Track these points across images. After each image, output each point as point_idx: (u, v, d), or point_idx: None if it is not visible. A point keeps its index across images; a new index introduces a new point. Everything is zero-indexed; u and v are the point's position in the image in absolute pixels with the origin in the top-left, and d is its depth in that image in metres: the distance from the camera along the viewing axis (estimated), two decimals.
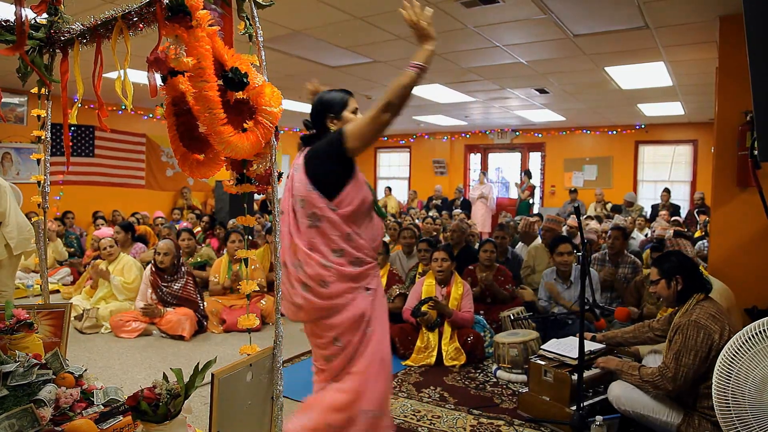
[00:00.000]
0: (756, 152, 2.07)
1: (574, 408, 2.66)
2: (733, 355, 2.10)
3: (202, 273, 5.77)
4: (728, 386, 2.08)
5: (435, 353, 3.84)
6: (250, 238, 2.00)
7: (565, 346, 3.06)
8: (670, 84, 6.75)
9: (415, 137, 13.35)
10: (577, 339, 2.69)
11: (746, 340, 2.09)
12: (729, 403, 2.07)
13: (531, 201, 10.82)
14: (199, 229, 7.55)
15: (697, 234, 6.65)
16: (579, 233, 3.06)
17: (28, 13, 2.03)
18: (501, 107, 9.10)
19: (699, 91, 7.08)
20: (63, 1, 2.30)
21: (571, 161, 11.55)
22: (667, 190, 9.56)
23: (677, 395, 2.51)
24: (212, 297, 4.99)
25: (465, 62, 5.96)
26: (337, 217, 1.93)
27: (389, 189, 12.40)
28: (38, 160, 2.69)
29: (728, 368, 2.10)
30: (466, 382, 3.50)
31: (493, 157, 12.98)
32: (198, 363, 1.86)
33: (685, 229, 6.86)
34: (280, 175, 1.83)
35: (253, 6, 1.74)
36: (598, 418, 2.50)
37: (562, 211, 9.36)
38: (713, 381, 2.14)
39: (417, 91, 7.31)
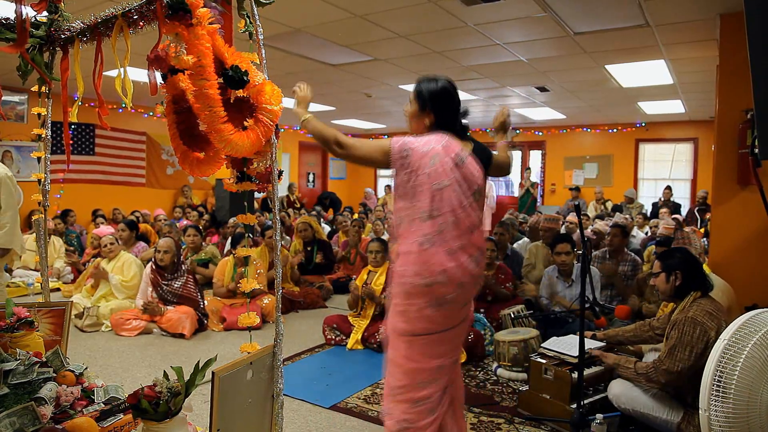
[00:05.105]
0: (756, 150, 2.07)
1: (574, 406, 2.67)
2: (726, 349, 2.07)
3: (206, 271, 5.78)
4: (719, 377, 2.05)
5: None
6: (250, 236, 2.00)
7: (566, 345, 3.07)
8: (670, 82, 6.75)
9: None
10: (578, 337, 2.69)
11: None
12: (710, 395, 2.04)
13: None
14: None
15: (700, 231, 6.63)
16: (579, 231, 3.06)
17: (29, 11, 2.02)
18: (501, 105, 9.10)
19: (699, 89, 7.08)
20: None
21: (571, 159, 11.55)
22: (668, 188, 9.55)
23: (677, 393, 2.51)
24: (214, 296, 4.99)
25: (465, 60, 5.95)
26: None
27: (389, 187, 12.41)
28: (38, 158, 2.68)
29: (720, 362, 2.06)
30: (467, 380, 3.49)
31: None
32: (198, 361, 1.87)
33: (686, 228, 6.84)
34: (280, 173, 1.82)
35: (254, 4, 1.74)
36: (598, 416, 2.50)
37: (561, 210, 9.35)
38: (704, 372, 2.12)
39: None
